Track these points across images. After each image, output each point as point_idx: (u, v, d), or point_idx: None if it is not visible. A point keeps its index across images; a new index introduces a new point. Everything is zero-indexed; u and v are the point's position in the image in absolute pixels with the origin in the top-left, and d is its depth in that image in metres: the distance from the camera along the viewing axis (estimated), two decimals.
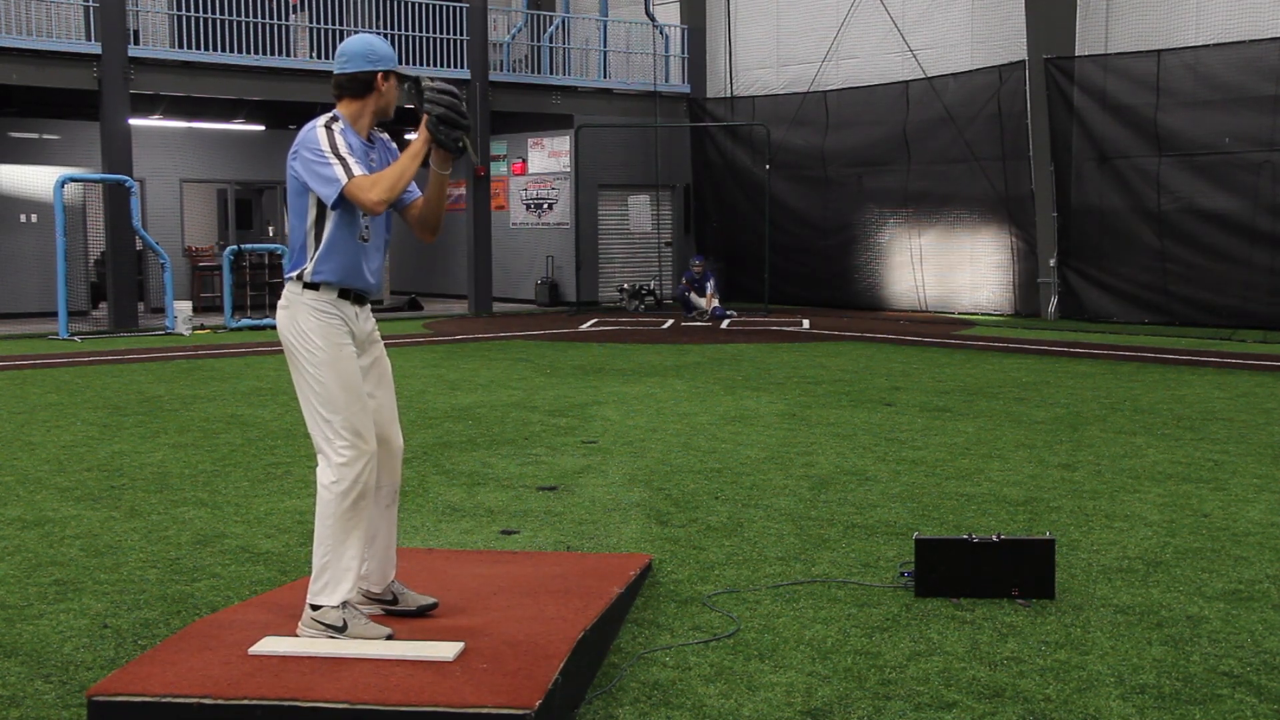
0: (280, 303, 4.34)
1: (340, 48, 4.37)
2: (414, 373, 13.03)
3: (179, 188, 23.79)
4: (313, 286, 4.24)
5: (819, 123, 22.59)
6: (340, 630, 4.19)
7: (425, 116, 4.18)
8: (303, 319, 4.24)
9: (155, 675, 3.85)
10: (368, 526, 4.32)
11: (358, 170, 4.15)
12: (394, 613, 4.47)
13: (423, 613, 4.47)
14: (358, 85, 4.30)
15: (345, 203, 4.18)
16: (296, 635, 4.23)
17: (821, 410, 10.31)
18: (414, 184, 4.40)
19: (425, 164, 4.27)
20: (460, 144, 4.21)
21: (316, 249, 4.25)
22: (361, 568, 4.32)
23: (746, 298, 23.07)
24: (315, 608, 4.24)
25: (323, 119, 4.28)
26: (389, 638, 4.19)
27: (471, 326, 19.36)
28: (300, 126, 4.41)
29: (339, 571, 4.21)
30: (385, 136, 4.51)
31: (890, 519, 6.51)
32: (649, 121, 23.93)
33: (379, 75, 4.29)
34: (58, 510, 6.83)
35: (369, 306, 4.43)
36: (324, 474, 4.22)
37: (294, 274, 4.27)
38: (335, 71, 4.35)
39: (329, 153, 4.16)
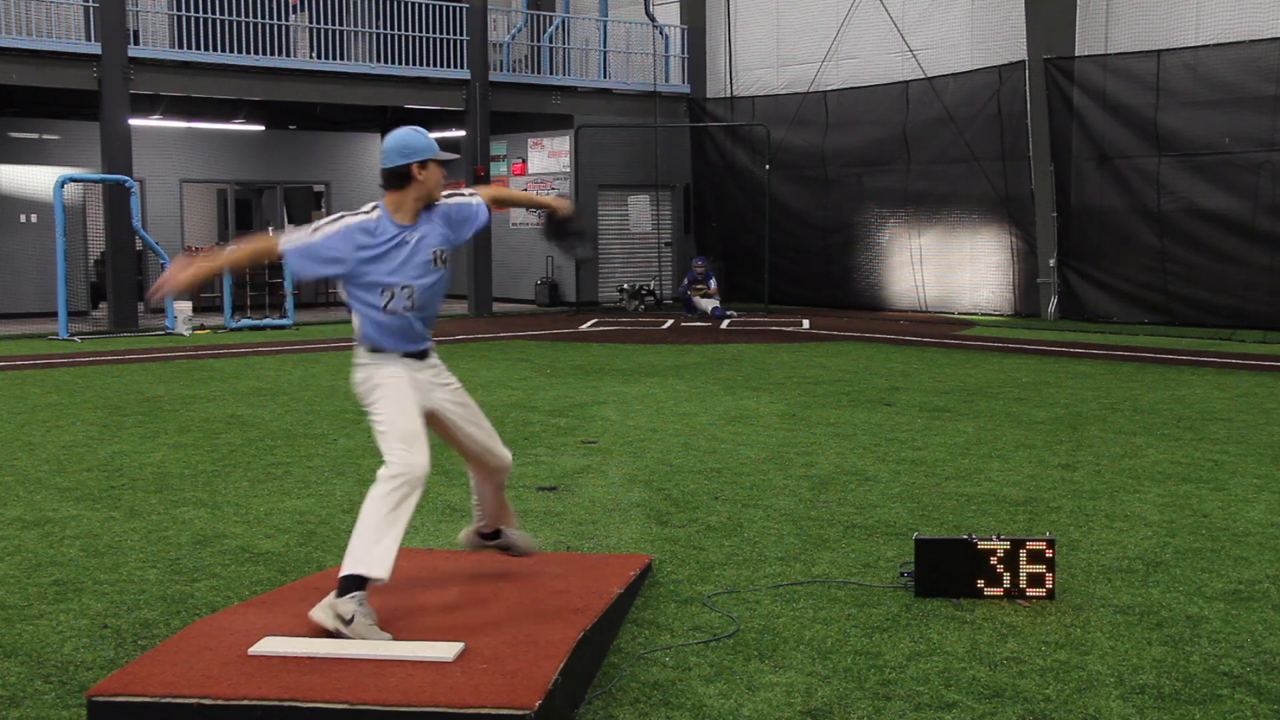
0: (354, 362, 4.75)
1: (382, 144, 4.69)
2: None
3: (179, 188, 23.79)
4: (373, 350, 4.63)
5: (819, 123, 22.59)
6: (346, 622, 4.23)
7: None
8: (357, 375, 4.65)
9: (155, 675, 3.85)
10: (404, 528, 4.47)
11: (292, 237, 4.56)
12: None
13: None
14: (396, 179, 4.60)
15: (350, 283, 4.58)
16: (308, 616, 4.30)
17: (821, 410, 10.31)
18: (477, 214, 4.79)
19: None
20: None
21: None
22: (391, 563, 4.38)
23: (746, 298, 23.07)
24: (342, 590, 4.27)
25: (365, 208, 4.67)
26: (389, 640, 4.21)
27: (471, 326, 19.36)
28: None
29: (374, 550, 4.33)
30: (444, 202, 4.71)
31: (890, 519, 6.51)
32: (649, 121, 23.92)
33: (414, 166, 4.57)
34: (58, 510, 6.83)
35: (429, 356, 4.71)
36: (380, 472, 4.45)
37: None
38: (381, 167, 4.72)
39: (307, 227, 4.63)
